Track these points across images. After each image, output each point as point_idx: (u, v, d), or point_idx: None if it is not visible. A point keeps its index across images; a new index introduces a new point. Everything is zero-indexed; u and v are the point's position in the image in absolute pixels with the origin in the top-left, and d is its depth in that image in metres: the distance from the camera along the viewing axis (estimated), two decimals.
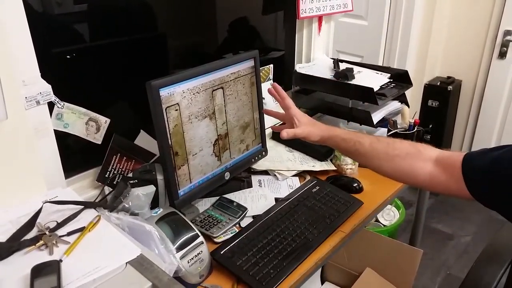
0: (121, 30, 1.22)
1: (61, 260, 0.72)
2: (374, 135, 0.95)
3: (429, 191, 0.85)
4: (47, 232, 0.78)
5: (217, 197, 1.17)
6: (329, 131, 1.00)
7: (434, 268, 2.18)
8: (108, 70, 1.22)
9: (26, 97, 0.92)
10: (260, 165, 1.32)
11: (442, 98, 2.61)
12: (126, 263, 0.72)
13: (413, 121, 1.40)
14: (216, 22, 1.54)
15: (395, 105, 1.49)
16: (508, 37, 2.43)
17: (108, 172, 1.15)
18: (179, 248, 0.88)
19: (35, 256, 0.74)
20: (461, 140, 2.83)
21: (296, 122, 1.04)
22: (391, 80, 1.54)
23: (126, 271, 0.71)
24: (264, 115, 1.30)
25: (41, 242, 0.76)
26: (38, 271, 0.68)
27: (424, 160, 0.85)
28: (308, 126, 1.02)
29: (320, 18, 1.64)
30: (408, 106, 1.50)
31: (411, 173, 0.86)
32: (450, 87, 2.58)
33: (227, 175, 1.20)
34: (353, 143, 0.94)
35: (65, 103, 1.04)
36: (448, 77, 2.67)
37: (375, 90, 1.38)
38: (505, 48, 2.46)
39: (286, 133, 1.02)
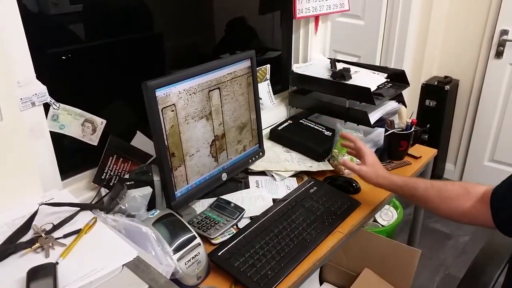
0: (117, 30, 1.22)
1: (57, 263, 0.71)
2: (429, 180, 1.03)
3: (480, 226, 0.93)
4: (43, 235, 0.78)
5: (215, 198, 1.16)
6: (386, 179, 1.08)
7: (432, 268, 2.18)
8: (104, 70, 1.21)
9: (21, 98, 0.91)
10: (257, 165, 1.32)
11: (439, 97, 2.62)
12: (123, 265, 0.71)
13: (410, 121, 1.40)
14: (213, 22, 1.53)
15: (392, 105, 1.49)
16: (505, 37, 2.44)
17: (104, 174, 1.14)
18: (176, 250, 0.87)
19: (31, 259, 0.73)
20: (459, 139, 2.84)
21: (363, 160, 1.14)
22: (388, 80, 1.54)
23: (122, 274, 0.71)
24: (261, 115, 1.30)
25: (37, 244, 0.75)
26: (34, 274, 0.67)
27: (473, 199, 0.91)
28: (368, 171, 1.11)
29: (316, 18, 1.64)
30: (405, 106, 1.50)
31: (464, 213, 0.92)
32: (447, 87, 2.58)
33: (224, 176, 1.20)
34: (408, 189, 1.03)
35: (61, 104, 1.03)
36: (446, 77, 2.68)
37: (372, 90, 1.38)
38: (501, 48, 2.46)
39: (345, 164, 1.16)
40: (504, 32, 2.43)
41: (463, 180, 2.84)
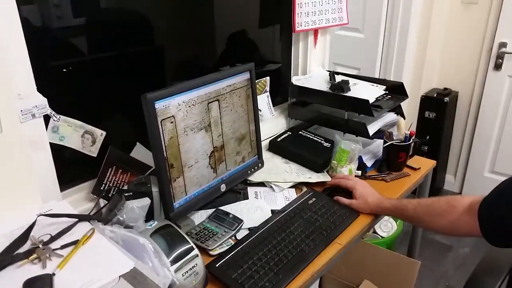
0: (118, 43, 1.23)
1: (54, 274, 0.71)
2: (417, 200, 1.09)
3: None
4: (40, 246, 0.78)
5: (213, 209, 1.16)
6: (378, 207, 1.17)
7: (433, 279, 2.17)
8: (105, 83, 1.22)
9: (21, 110, 0.92)
10: (256, 176, 1.32)
11: (439, 109, 2.63)
12: (119, 276, 0.71)
13: (409, 132, 1.40)
14: (214, 35, 1.55)
15: (390, 116, 1.50)
16: (503, 49, 2.45)
17: (103, 185, 1.15)
18: (174, 261, 0.87)
19: (28, 270, 0.73)
20: (458, 151, 2.84)
21: (355, 196, 1.20)
22: (387, 92, 1.55)
23: (119, 285, 0.71)
24: (260, 127, 1.31)
25: (34, 255, 0.75)
26: (31, 285, 0.67)
27: (459, 213, 0.96)
28: (359, 204, 1.19)
29: (316, 31, 1.66)
30: (404, 118, 1.50)
31: (454, 228, 0.98)
32: (446, 99, 2.59)
33: (223, 187, 1.20)
34: (399, 211, 1.12)
35: (61, 116, 1.04)
36: (445, 89, 2.69)
37: (370, 102, 1.39)
38: (500, 60, 2.48)
39: (341, 200, 1.22)
40: (503, 44, 2.45)
41: (463, 192, 2.84)
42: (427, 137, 2.62)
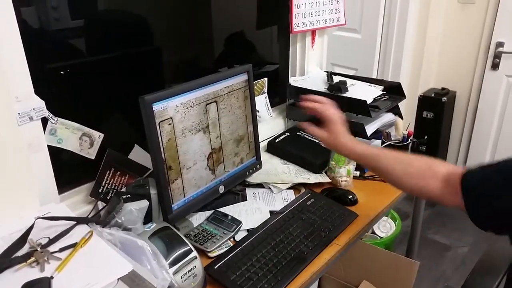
0: (116, 45, 1.23)
1: (52, 277, 0.71)
2: (395, 152, 0.97)
3: (446, 206, 0.89)
4: (38, 249, 0.78)
5: (212, 211, 1.16)
6: (345, 147, 1.04)
7: (431, 279, 2.17)
8: (103, 85, 1.22)
9: (19, 113, 0.92)
10: (254, 178, 1.32)
11: (436, 109, 2.63)
12: (118, 279, 0.72)
13: (407, 132, 1.40)
14: (212, 36, 1.55)
15: (388, 117, 1.50)
16: (500, 49, 2.46)
17: (101, 187, 1.15)
18: (172, 264, 0.87)
19: (26, 273, 0.73)
20: (457, 150, 2.84)
21: (327, 127, 1.06)
22: (385, 92, 1.55)
23: None
24: (258, 128, 1.31)
25: (33, 258, 0.75)
26: None
27: (434, 178, 0.87)
28: (327, 138, 1.06)
29: (313, 32, 1.66)
30: (402, 118, 1.51)
31: (424, 190, 0.89)
32: (444, 99, 2.60)
33: (222, 189, 1.20)
34: (370, 159, 0.99)
35: (59, 119, 1.04)
36: (443, 89, 2.70)
37: (368, 102, 1.39)
38: (497, 60, 2.49)
39: (310, 130, 1.09)
40: (500, 44, 2.46)
41: None
42: (425, 137, 2.63)
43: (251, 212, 1.19)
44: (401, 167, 0.93)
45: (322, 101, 1.10)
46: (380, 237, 2.14)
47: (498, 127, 2.60)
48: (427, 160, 0.92)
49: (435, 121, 2.65)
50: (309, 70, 1.72)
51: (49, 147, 1.03)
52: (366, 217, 1.19)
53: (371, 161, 0.99)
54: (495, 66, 2.51)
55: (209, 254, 1.02)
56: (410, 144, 1.42)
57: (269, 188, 1.31)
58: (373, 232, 2.17)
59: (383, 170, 0.97)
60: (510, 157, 0.78)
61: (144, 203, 0.99)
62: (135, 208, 0.94)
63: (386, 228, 2.18)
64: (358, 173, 1.38)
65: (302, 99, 1.13)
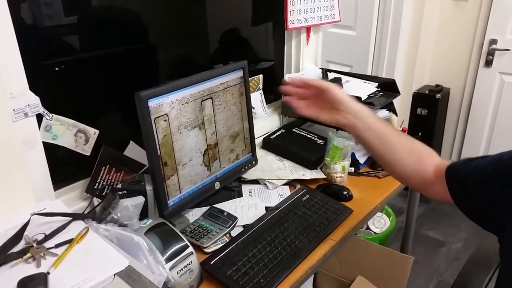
0: (111, 42, 1.23)
1: (48, 273, 0.71)
2: (398, 131, 0.92)
3: (435, 199, 0.89)
4: (34, 245, 0.78)
5: (207, 207, 1.17)
6: (360, 118, 0.91)
7: (426, 275, 2.19)
8: (98, 81, 1.22)
9: (14, 109, 0.92)
10: (250, 174, 1.33)
11: (430, 106, 2.65)
12: (114, 274, 0.72)
13: (401, 129, 1.42)
14: (207, 33, 1.55)
15: (383, 113, 1.51)
16: (494, 46, 2.48)
17: (97, 184, 1.15)
18: (169, 259, 0.87)
19: (22, 269, 0.73)
20: (451, 147, 2.86)
21: (329, 95, 0.91)
22: (379, 89, 1.56)
23: (114, 283, 0.71)
24: (254, 124, 1.31)
25: (29, 254, 0.75)
26: (25, 284, 0.67)
27: (431, 164, 0.87)
28: (336, 89, 0.92)
29: (308, 29, 1.66)
30: (396, 115, 1.52)
31: (420, 172, 0.87)
32: (438, 95, 2.62)
33: (217, 185, 1.20)
34: (381, 136, 0.89)
35: (54, 115, 1.04)
36: (437, 85, 2.71)
37: (363, 99, 1.40)
38: (491, 57, 2.51)
39: (309, 112, 0.94)
40: (493, 41, 2.48)
41: None
42: (419, 134, 2.64)
43: (246, 208, 1.20)
44: (407, 143, 0.88)
45: (304, 81, 0.97)
46: (375, 233, 2.16)
47: (492, 124, 2.62)
48: (426, 146, 0.91)
49: (429, 118, 2.67)
50: (304, 67, 1.73)
51: (44, 143, 1.03)
52: (361, 213, 1.20)
53: (380, 138, 0.88)
54: (488, 63, 2.53)
55: (205, 250, 1.03)
56: None
57: (265, 184, 1.31)
58: (368, 228, 2.18)
59: (389, 143, 0.88)
60: (499, 153, 0.80)
61: (140, 199, 0.99)
62: (131, 204, 0.94)
63: (380, 223, 2.20)
64: (353, 169, 1.39)
65: (283, 83, 0.99)
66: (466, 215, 0.82)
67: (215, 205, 1.18)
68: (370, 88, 1.53)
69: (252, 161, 1.33)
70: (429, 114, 2.66)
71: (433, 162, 0.88)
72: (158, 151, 1.01)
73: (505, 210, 0.73)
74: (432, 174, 0.86)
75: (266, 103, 1.61)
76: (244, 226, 1.12)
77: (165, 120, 1.02)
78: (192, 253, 0.92)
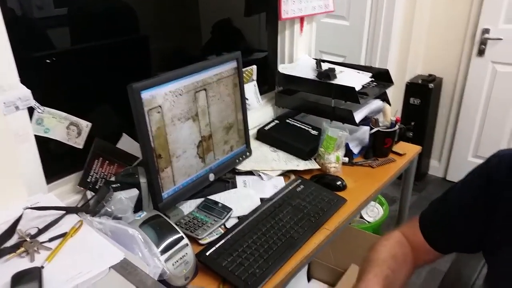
0: (102, 33, 1.21)
1: (42, 267, 0.71)
2: (381, 261, 0.90)
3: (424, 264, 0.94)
4: (28, 239, 0.77)
5: (202, 199, 1.17)
6: None
7: None
8: (89, 73, 1.21)
9: (4, 103, 0.90)
10: (244, 165, 1.33)
11: (423, 95, 2.66)
12: (110, 267, 0.72)
13: (395, 119, 1.42)
14: (199, 24, 1.54)
15: (377, 103, 1.51)
16: (486, 35, 2.49)
17: (90, 177, 1.14)
18: (164, 251, 0.87)
19: (16, 264, 0.73)
20: (443, 136, 2.89)
21: None
22: (373, 79, 1.56)
23: (109, 276, 0.71)
24: (248, 116, 1.31)
25: (22, 249, 0.75)
26: (19, 279, 0.67)
27: (407, 247, 0.93)
28: None
29: (301, 19, 1.65)
30: (390, 104, 1.52)
31: (416, 263, 0.93)
32: (431, 85, 2.63)
33: (212, 177, 1.20)
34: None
35: (46, 108, 1.03)
36: (429, 75, 2.72)
37: (357, 89, 1.40)
38: (483, 46, 2.52)
39: None
40: (486, 30, 2.48)
41: (447, 177, 2.90)
42: (412, 123, 2.66)
43: (241, 199, 1.20)
44: (397, 266, 0.89)
45: None
46: (368, 222, 2.17)
47: (484, 113, 2.64)
48: (391, 244, 0.94)
49: (422, 108, 2.68)
50: (297, 57, 1.72)
51: (36, 136, 1.02)
52: (355, 202, 1.21)
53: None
54: (481, 52, 2.54)
55: (200, 241, 1.03)
56: (398, 130, 1.44)
57: (259, 175, 1.32)
58: (361, 217, 2.20)
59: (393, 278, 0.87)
60: (452, 185, 0.88)
61: (134, 192, 0.98)
62: (125, 197, 0.94)
63: (374, 213, 2.22)
64: (347, 159, 1.40)
65: None
66: (447, 251, 0.90)
67: (210, 197, 1.18)
68: (364, 78, 1.53)
69: (246, 152, 1.33)
70: (422, 103, 2.68)
71: (407, 246, 0.93)
72: (152, 143, 1.00)
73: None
74: (411, 253, 0.92)
75: (260, 94, 1.61)
76: (238, 217, 1.12)
77: (159, 112, 1.01)
78: (187, 245, 0.92)
